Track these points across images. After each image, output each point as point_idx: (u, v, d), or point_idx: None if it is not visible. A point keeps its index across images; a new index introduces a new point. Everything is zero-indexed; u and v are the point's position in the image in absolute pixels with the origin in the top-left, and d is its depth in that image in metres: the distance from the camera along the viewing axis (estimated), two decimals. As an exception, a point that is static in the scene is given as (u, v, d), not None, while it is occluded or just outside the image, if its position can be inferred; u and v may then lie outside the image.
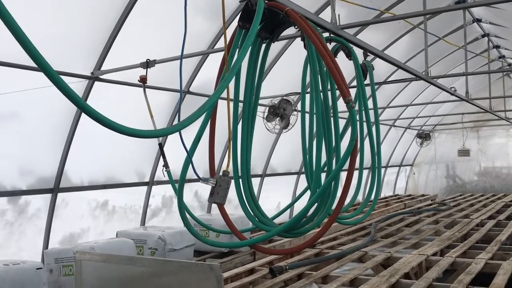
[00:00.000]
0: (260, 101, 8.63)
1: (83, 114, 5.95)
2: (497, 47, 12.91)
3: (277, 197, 10.93)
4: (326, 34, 4.15)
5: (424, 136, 15.93)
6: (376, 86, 12.03)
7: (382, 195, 16.86)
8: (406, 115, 14.98)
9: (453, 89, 8.34)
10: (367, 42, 9.17)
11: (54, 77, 1.86)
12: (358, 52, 5.25)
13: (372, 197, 4.55)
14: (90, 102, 5.90)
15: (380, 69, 10.12)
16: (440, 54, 11.92)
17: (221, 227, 7.10)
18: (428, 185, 19.16)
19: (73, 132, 5.88)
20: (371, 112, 5.02)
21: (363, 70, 4.52)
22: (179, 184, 3.25)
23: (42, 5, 5.02)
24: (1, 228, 5.59)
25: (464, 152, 16.24)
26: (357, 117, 4.43)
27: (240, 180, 3.43)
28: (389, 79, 11.38)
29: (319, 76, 3.39)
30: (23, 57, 4.93)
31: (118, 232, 6.66)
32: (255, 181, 10.18)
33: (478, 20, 10.71)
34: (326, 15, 5.59)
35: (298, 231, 3.34)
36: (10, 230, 5.68)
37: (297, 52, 5.48)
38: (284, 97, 7.80)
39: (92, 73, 5.69)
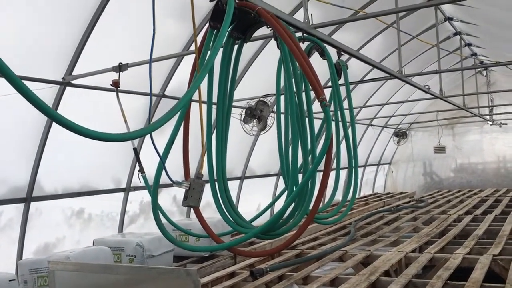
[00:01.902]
0: (237, 103, 8.69)
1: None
2: (469, 45, 13.12)
3: (257, 198, 10.90)
4: (299, 34, 4.14)
5: (401, 135, 16.10)
6: (352, 86, 12.14)
7: (362, 194, 16.98)
8: (383, 114, 15.12)
9: (427, 87, 8.44)
10: (342, 41, 9.23)
11: (16, 82, 1.78)
12: (333, 52, 5.27)
13: (350, 196, 4.54)
14: (62, 108, 5.78)
15: (356, 68, 10.19)
16: (414, 53, 12.07)
17: (200, 231, 7.03)
18: (406, 183, 19.38)
19: (45, 139, 5.74)
20: (347, 112, 5.02)
21: (338, 70, 4.51)
22: (152, 189, 3.18)
23: (11, 9, 4.90)
24: (-28, 240, 5.42)
25: (440, 149, 16.48)
26: (333, 117, 4.43)
27: (216, 183, 3.38)
28: (365, 78, 11.46)
29: (292, 76, 3.37)
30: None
31: (94, 240, 6.52)
32: (234, 184, 10.13)
33: (450, 19, 10.87)
34: (299, 16, 5.60)
35: (276, 233, 3.30)
36: (-18, 241, 5.52)
37: (273, 52, 5.46)
38: (261, 99, 7.79)
39: (63, 78, 5.57)
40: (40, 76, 5.48)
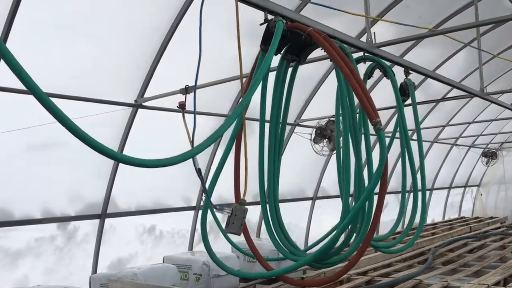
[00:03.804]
0: (307, 123, 8.60)
1: (128, 139, 6.10)
2: None
3: (331, 220, 10.65)
4: (360, 54, 4.01)
5: (490, 155, 15.05)
6: (433, 104, 11.63)
7: (446, 218, 16.03)
8: (469, 133, 14.23)
9: (514, 105, 7.81)
10: (418, 59, 8.88)
11: (53, 108, 1.85)
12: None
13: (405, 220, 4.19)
14: (134, 129, 6.03)
15: (437, 86, 9.70)
16: (502, 69, 11.28)
17: (269, 252, 6.97)
18: (498, 207, 17.98)
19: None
20: (411, 132, 4.73)
21: (405, 89, 4.30)
22: (202, 211, 3.18)
23: (86, 35, 5.22)
24: (51, 253, 5.77)
25: (533, 172, 15.16)
26: (398, 138, 4.21)
27: (268, 207, 3.31)
28: (447, 96, 10.86)
29: (347, 98, 3.24)
30: (67, 87, 5.12)
31: (164, 257, 6.69)
32: (306, 204, 9.99)
33: (542, 32, 10.03)
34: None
35: (328, 262, 3.16)
36: (60, 255, 5.85)
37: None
38: (331, 118, 7.64)
39: (135, 100, 5.83)
40: (113, 99, 5.77)
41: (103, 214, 6.14)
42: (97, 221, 6.15)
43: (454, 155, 14.88)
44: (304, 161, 9.23)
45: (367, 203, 3.17)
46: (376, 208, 2.78)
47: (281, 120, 3.37)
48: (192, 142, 2.96)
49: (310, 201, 9.91)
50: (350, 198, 3.71)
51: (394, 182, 11.38)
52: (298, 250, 3.30)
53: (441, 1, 7.96)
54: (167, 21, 5.46)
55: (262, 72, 2.62)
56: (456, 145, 14.47)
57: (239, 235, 2.79)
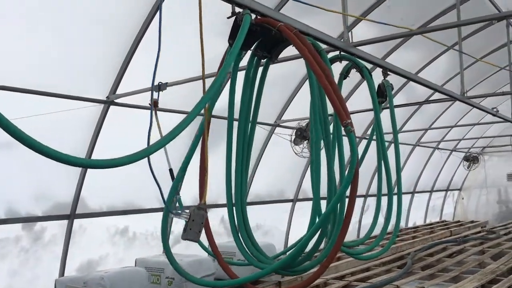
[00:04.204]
0: (287, 124, 8.45)
1: (99, 137, 5.89)
2: (548, 65, 12.06)
3: (311, 222, 10.55)
4: (336, 53, 3.87)
5: (471, 159, 15.10)
6: (415, 107, 11.59)
7: (428, 221, 16.03)
8: (451, 137, 14.25)
9: (495, 110, 7.76)
10: (402, 62, 8.81)
11: None
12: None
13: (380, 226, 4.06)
14: (106, 126, 5.83)
15: (420, 88, 9.65)
16: (484, 74, 11.28)
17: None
18: (479, 211, 18.06)
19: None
20: (387, 136, 4.61)
21: (382, 91, 4.17)
22: (163, 214, 3.02)
23: (56, 30, 5.02)
24: (16, 255, 5.53)
25: (514, 177, 15.23)
26: (374, 141, 4.08)
27: (234, 210, 3.15)
28: (430, 99, 10.81)
29: (319, 98, 3.10)
30: (35, 82, 4.91)
31: (137, 259, 6.47)
32: (286, 206, 9.84)
33: (525, 36, 10.02)
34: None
35: (298, 269, 3.01)
36: (25, 257, 5.61)
37: (334, 70, 5.18)
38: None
39: (107, 97, 5.63)
40: (86, 95, 5.57)
41: (72, 214, 5.92)
42: (65, 221, 5.93)
43: (436, 159, 14.89)
44: (284, 163, 9.08)
45: (338, 207, 3.03)
46: (346, 212, 2.64)
47: (250, 119, 3.22)
48: (148, 141, 2.78)
49: (291, 203, 9.76)
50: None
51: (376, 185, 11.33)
52: (265, 256, 3.15)
53: (424, 3, 7.89)
54: (142, 14, 5.26)
55: (226, 67, 2.46)
56: (438, 148, 14.47)
57: (197, 241, 2.63)
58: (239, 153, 3.18)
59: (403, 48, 8.81)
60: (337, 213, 3.07)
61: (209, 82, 6.12)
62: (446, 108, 12.38)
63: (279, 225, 9.73)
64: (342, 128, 2.66)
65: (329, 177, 3.26)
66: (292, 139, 8.02)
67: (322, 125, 3.21)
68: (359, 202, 12.24)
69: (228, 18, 2.84)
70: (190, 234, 2.49)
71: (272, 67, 6.24)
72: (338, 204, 3.03)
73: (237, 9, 2.86)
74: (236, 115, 3.22)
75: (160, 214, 7.26)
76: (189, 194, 8.22)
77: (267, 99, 8.36)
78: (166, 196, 3.70)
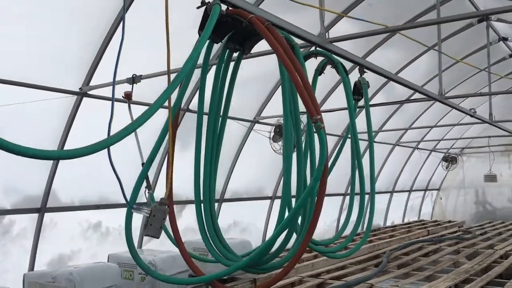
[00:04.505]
0: (267, 120, 8.39)
1: (73, 129, 5.77)
2: (528, 67, 12.21)
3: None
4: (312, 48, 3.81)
5: (450, 160, 15.23)
6: (395, 107, 11.63)
7: (406, 220, 16.15)
8: (431, 137, 14.35)
9: (472, 110, 7.80)
10: (384, 61, 8.80)
11: None
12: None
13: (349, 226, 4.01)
14: (79, 118, 5.70)
15: (401, 88, 9.66)
16: (465, 75, 11.36)
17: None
18: (457, 211, 18.25)
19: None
20: (361, 136, 4.58)
21: (359, 88, 4.13)
22: (127, 209, 2.93)
23: (30, 20, 4.88)
24: (-17, 248, 5.39)
25: (491, 178, 15.39)
26: (348, 139, 4.04)
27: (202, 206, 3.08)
28: (411, 98, 10.83)
29: (290, 94, 3.03)
30: (7, 72, 4.76)
31: (109, 255, 6.35)
32: (265, 204, 9.80)
33: (505, 39, 10.12)
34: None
35: (265, 267, 2.95)
36: (-7, 250, 5.47)
37: (309, 66, 5.12)
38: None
39: (80, 88, 5.50)
40: (60, 86, 5.44)
41: (42, 208, 5.78)
42: (36, 215, 5.78)
43: (416, 159, 14.98)
44: (263, 160, 9.02)
45: (308, 204, 2.98)
46: (315, 209, 2.59)
47: (221, 114, 3.14)
48: (108, 133, 2.69)
49: (269, 201, 9.71)
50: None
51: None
52: (233, 254, 3.09)
53: (407, 2, 7.89)
54: (116, 5, 5.14)
55: (191, 58, 2.39)
56: (418, 148, 14.57)
57: (158, 238, 2.55)
58: (208, 149, 3.11)
59: (385, 47, 8.81)
60: (307, 210, 3.02)
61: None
62: (426, 108, 12.45)
63: (257, 222, 9.68)
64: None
65: (298, 174, 3.20)
66: (271, 136, 7.97)
67: (293, 121, 3.15)
68: (337, 200, 12.24)
69: (198, 8, 2.76)
70: (150, 229, 2.42)
71: (253, 63, 6.18)
72: (308, 201, 2.98)
73: None
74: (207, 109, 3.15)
75: (135, 209, 7.19)
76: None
77: (247, 95, 8.37)
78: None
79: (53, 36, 5.16)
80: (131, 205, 2.59)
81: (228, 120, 8.08)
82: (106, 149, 2.79)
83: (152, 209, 2.46)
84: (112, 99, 2.69)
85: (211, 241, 3.07)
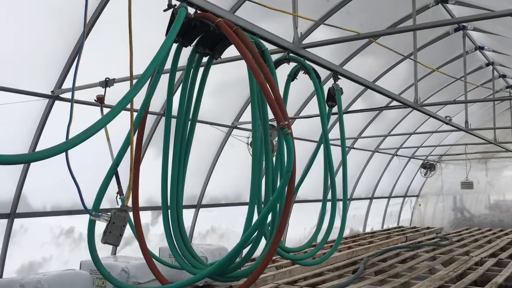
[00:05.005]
0: (245, 126, 8.35)
1: (43, 132, 5.65)
2: (503, 76, 12.43)
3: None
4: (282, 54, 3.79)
5: (428, 167, 15.40)
6: (374, 114, 11.70)
7: (385, 226, 16.24)
8: (410, 144, 14.47)
9: (448, 118, 7.88)
10: (363, 68, 8.84)
11: None
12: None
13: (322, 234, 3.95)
14: (51, 121, 5.59)
15: (380, 95, 9.71)
16: (442, 83, 11.50)
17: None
18: (435, 218, 18.43)
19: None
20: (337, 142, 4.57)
21: (333, 95, 4.13)
22: (90, 217, 2.87)
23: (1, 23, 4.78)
24: None
25: (468, 185, 15.59)
26: (322, 145, 4.02)
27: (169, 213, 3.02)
28: (390, 105, 10.90)
29: (258, 100, 3.00)
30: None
31: (82, 261, 6.24)
32: (243, 209, 9.71)
33: (481, 48, 10.28)
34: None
35: (232, 275, 2.90)
36: (-41, 257, 5.31)
37: (285, 72, 5.10)
38: (270, 122, 7.42)
39: (52, 91, 5.39)
40: (31, 89, 5.33)
41: (12, 213, 5.63)
42: (5, 221, 5.63)
43: (395, 165, 15.09)
44: (241, 165, 8.96)
45: (277, 211, 2.95)
46: (281, 218, 2.55)
47: (190, 118, 3.09)
48: (67, 137, 2.63)
49: (247, 206, 9.63)
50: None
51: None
52: (201, 262, 3.03)
53: (385, 10, 7.94)
54: (90, 8, 5.05)
55: (154, 61, 2.34)
56: (397, 155, 14.68)
57: (117, 245, 2.49)
58: (176, 155, 3.05)
59: (364, 55, 8.85)
60: (276, 217, 2.98)
61: (165, 77, 5.95)
62: (404, 115, 12.55)
63: (235, 228, 9.60)
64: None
65: (266, 180, 3.17)
66: (249, 142, 7.92)
67: (260, 126, 3.12)
68: (318, 206, 12.25)
69: (164, 11, 2.71)
70: (109, 237, 2.35)
71: (230, 68, 6.15)
72: (277, 208, 2.95)
73: (176, 2, 2.75)
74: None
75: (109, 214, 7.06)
76: (142, 195, 8.04)
77: (225, 100, 8.32)
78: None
79: (24, 38, 5.06)
80: (89, 212, 2.52)
81: (206, 126, 8.16)
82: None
83: (111, 216, 2.40)
84: (72, 102, 2.63)
85: (177, 248, 3.01)
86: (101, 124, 2.11)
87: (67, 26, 5.15)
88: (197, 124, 3.26)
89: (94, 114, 5.39)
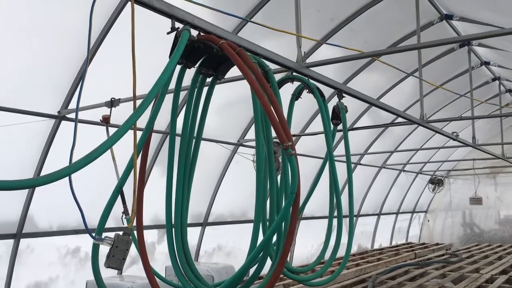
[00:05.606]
0: (250, 143, 8.35)
1: (50, 151, 5.68)
2: (510, 91, 12.39)
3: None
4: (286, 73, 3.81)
5: (436, 182, 15.27)
6: (381, 130, 11.67)
7: (394, 243, 16.08)
8: (417, 160, 14.39)
9: (455, 134, 7.84)
10: (368, 85, 8.84)
11: None
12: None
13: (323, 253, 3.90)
14: (58, 141, 5.63)
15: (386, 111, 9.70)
16: (448, 99, 11.48)
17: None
18: (444, 233, 18.24)
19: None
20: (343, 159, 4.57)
21: (337, 113, 4.13)
22: (94, 240, 2.86)
23: (8, 43, 4.84)
24: (-45, 276, 5.23)
25: (476, 200, 15.43)
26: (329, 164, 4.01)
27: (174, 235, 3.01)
28: (395, 122, 10.88)
29: (261, 120, 3.01)
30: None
31: (87, 281, 6.23)
32: (250, 227, 9.67)
33: (487, 63, 10.28)
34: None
35: (236, 297, 2.88)
36: (-34, 277, 5.32)
37: (290, 91, 5.11)
38: (275, 140, 7.42)
39: (58, 112, 5.44)
40: (37, 110, 5.38)
41: (18, 233, 5.64)
42: (11, 241, 5.65)
43: (402, 181, 15.00)
44: (247, 183, 8.93)
45: (282, 232, 2.93)
46: (286, 239, 2.53)
47: (194, 137, 3.10)
48: (70, 160, 2.64)
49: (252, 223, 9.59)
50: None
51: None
52: (204, 283, 3.01)
53: (388, 27, 7.97)
54: (96, 29, 5.12)
55: (158, 83, 2.35)
56: (404, 171, 14.59)
57: (120, 269, 2.48)
58: (180, 174, 3.06)
59: (369, 72, 8.87)
60: (281, 238, 2.96)
61: (170, 97, 5.98)
62: (411, 131, 12.52)
63: (242, 246, 9.54)
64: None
65: (271, 200, 3.16)
66: (255, 159, 7.89)
67: (264, 145, 3.12)
68: (324, 223, 12.16)
69: (168, 33, 2.74)
70: (112, 261, 2.34)
71: (236, 87, 6.18)
72: (282, 228, 2.93)
73: (179, 25, 2.78)
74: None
75: (115, 234, 7.05)
76: (149, 213, 8.01)
77: (230, 118, 8.34)
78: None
79: (31, 59, 5.13)
80: (92, 235, 2.52)
81: (212, 143, 8.17)
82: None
83: (114, 239, 2.39)
84: (75, 122, 2.64)
85: (180, 267, 3.00)
86: (103, 149, 2.12)
87: (73, 48, 5.22)
88: (203, 142, 3.28)
89: (100, 133, 5.45)
